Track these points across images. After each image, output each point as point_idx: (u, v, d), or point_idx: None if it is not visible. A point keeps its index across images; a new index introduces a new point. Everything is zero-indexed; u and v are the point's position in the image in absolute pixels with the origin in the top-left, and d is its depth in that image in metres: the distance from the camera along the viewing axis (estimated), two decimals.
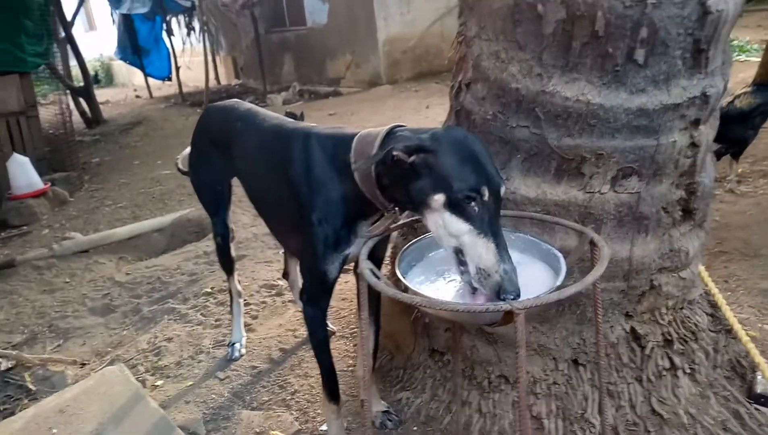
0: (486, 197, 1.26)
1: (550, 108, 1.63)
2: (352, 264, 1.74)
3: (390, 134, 1.45)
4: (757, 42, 9.03)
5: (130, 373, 2.34)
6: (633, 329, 1.88)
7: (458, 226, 1.26)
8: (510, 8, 1.63)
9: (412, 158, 1.30)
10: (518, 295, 1.21)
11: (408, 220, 1.64)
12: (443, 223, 1.29)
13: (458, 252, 1.29)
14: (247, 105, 2.11)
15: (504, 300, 1.21)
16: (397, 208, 1.48)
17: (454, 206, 1.26)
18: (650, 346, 1.88)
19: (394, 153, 1.30)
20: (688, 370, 1.91)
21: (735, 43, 8.83)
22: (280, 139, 1.75)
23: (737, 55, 8.33)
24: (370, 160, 1.38)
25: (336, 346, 2.56)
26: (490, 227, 1.25)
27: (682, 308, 1.96)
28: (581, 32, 1.53)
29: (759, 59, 8.43)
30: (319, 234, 1.60)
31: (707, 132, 1.71)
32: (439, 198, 1.28)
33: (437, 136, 1.34)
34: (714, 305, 2.09)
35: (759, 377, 1.96)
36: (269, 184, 1.83)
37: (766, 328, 2.37)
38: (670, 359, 1.89)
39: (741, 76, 7.01)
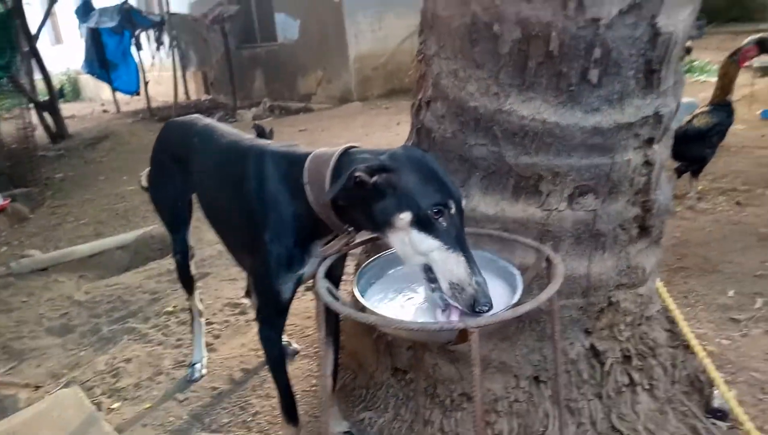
0: (453, 211, 1.27)
1: (508, 126, 1.64)
2: (311, 282, 1.72)
3: (344, 154, 1.44)
4: (716, 63, 9.30)
5: (84, 395, 2.27)
6: (592, 346, 1.89)
7: (427, 243, 1.27)
8: (467, 27, 1.64)
9: (374, 178, 1.30)
10: (491, 307, 1.23)
11: (365, 239, 1.63)
12: (410, 242, 1.29)
13: (427, 269, 1.30)
14: (206, 120, 2.09)
15: (479, 312, 1.22)
16: (352, 229, 1.47)
17: (421, 223, 1.27)
18: (609, 363, 1.89)
19: (357, 175, 1.29)
20: (647, 386, 1.93)
21: (696, 63, 9.12)
22: (236, 156, 1.73)
23: (698, 76, 8.59)
24: (334, 188, 1.34)
25: (299, 366, 2.52)
26: (458, 242, 1.27)
27: (640, 324, 1.98)
28: (536, 52, 1.55)
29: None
30: (272, 253, 1.58)
31: (661, 150, 1.75)
32: (405, 216, 1.28)
33: (396, 156, 1.34)
34: (672, 321, 2.11)
35: (716, 392, 1.98)
36: (224, 201, 1.80)
37: (724, 343, 2.41)
38: (629, 375, 1.91)
39: (702, 95, 7.22)
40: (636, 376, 1.90)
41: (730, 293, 2.78)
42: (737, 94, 7.12)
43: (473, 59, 1.67)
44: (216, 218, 1.95)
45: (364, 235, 1.56)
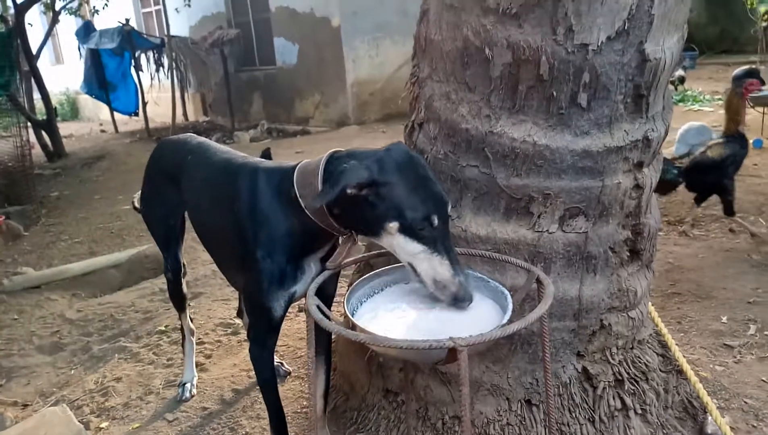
0: (435, 223, 1.34)
1: (499, 148, 1.66)
2: (303, 302, 1.72)
3: (330, 161, 1.46)
4: (708, 93, 9.47)
5: (72, 414, 2.24)
6: (585, 369, 1.89)
7: (412, 246, 1.36)
8: (460, 51, 1.67)
9: (365, 192, 1.35)
10: (471, 301, 1.36)
11: (365, 255, 1.64)
12: (398, 245, 1.38)
13: (413, 267, 1.40)
14: (199, 139, 2.10)
15: (461, 308, 1.36)
16: (353, 232, 1.50)
17: (408, 231, 1.35)
18: (602, 386, 1.89)
19: (349, 191, 1.34)
20: (640, 411, 1.92)
21: (689, 93, 9.26)
22: (228, 173, 1.74)
23: (691, 105, 8.71)
24: (322, 197, 1.38)
25: (291, 387, 2.50)
26: (443, 245, 1.36)
27: (632, 348, 1.98)
28: (527, 76, 1.58)
29: (711, 109, 8.87)
30: (264, 270, 1.58)
31: (651, 174, 1.77)
32: (393, 225, 1.35)
33: (383, 163, 1.36)
34: (664, 345, 2.11)
35: (709, 418, 1.97)
36: (215, 219, 1.80)
37: (717, 369, 2.40)
38: (622, 399, 1.90)
39: (706, 120, 7.30)
40: (628, 400, 1.90)
41: (724, 319, 2.77)
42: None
43: (465, 82, 1.69)
44: (207, 236, 1.95)
45: (364, 239, 1.58)
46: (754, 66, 9.02)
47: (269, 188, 1.59)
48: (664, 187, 3.77)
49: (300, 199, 1.49)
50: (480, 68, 1.65)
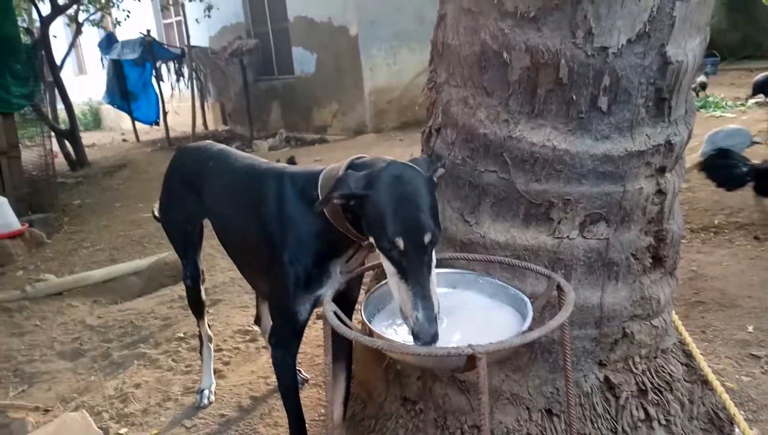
0: (402, 247, 1.26)
1: (517, 153, 1.64)
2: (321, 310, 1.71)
3: (350, 167, 1.46)
4: (731, 99, 9.33)
5: (91, 420, 2.26)
6: (607, 378, 1.85)
7: (387, 266, 1.32)
8: (477, 56, 1.66)
9: (352, 203, 1.36)
10: (433, 342, 1.23)
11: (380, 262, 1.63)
12: (382, 260, 1.34)
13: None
14: (220, 146, 2.11)
15: (421, 344, 1.23)
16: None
17: (381, 249, 1.32)
18: (624, 396, 1.85)
19: (334, 201, 1.35)
20: (664, 422, 1.87)
21: (711, 99, 9.13)
22: (253, 178, 1.75)
23: (713, 111, 8.58)
24: (320, 204, 1.40)
25: (308, 395, 2.49)
26: (413, 274, 1.27)
27: (656, 357, 1.94)
28: (546, 79, 1.56)
29: (733, 115, 8.72)
30: (290, 274, 1.58)
31: (674, 179, 1.73)
32: (372, 239, 1.34)
33: (372, 179, 1.34)
34: (689, 355, 2.06)
35: (737, 431, 1.92)
36: (240, 224, 1.81)
37: (744, 379, 2.34)
38: (645, 410, 1.86)
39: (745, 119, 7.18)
40: (652, 411, 1.85)
41: (750, 329, 2.71)
42: (754, 129, 7.12)
43: (483, 87, 1.68)
44: (231, 242, 1.96)
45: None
46: None
47: (295, 192, 1.60)
48: (732, 181, 3.66)
49: None
50: (498, 72, 1.63)
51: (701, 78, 9.07)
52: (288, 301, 1.62)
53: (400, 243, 1.27)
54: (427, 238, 1.27)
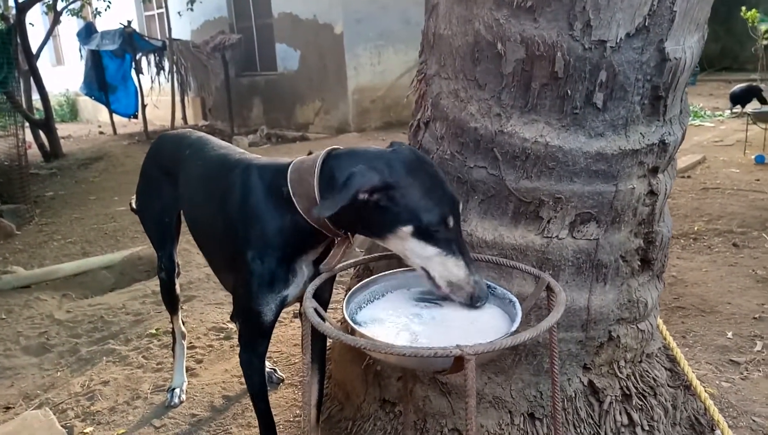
0: (451, 225, 1.30)
1: (509, 149, 1.59)
2: (297, 307, 1.65)
3: (327, 159, 1.39)
4: (709, 109, 9.49)
5: (55, 418, 2.16)
6: (591, 382, 1.81)
7: (427, 250, 1.30)
8: (470, 46, 1.61)
9: (376, 197, 1.29)
10: (487, 298, 1.34)
11: (363, 259, 1.57)
12: (409, 248, 1.32)
13: (427, 271, 1.34)
14: (199, 134, 2.03)
15: (477, 308, 1.33)
16: (348, 233, 1.43)
17: (422, 234, 1.29)
18: (608, 401, 1.82)
19: (361, 196, 1.27)
20: (647, 427, 1.84)
21: (690, 108, 9.25)
22: (223, 168, 1.67)
23: (692, 120, 8.71)
24: (332, 203, 1.28)
25: (284, 395, 2.42)
26: (457, 245, 1.31)
27: (640, 362, 1.91)
28: (541, 73, 1.51)
29: (712, 125, 8.90)
30: (254, 272, 1.50)
31: (666, 180, 1.70)
32: (406, 229, 1.29)
33: (393, 165, 1.31)
34: (672, 360, 2.04)
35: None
36: (208, 215, 1.73)
37: (724, 385, 2.34)
38: (629, 415, 1.83)
39: (696, 139, 7.31)
40: (636, 416, 1.82)
41: (729, 335, 2.71)
42: (732, 139, 7.23)
43: (475, 79, 1.63)
44: (200, 234, 1.87)
45: (359, 239, 1.52)
46: (753, 84, 9.09)
47: (262, 185, 1.51)
48: None
49: (294, 198, 1.42)
50: (491, 64, 1.58)
51: None
52: (252, 301, 1.53)
53: (451, 220, 1.30)
54: (461, 208, 1.36)
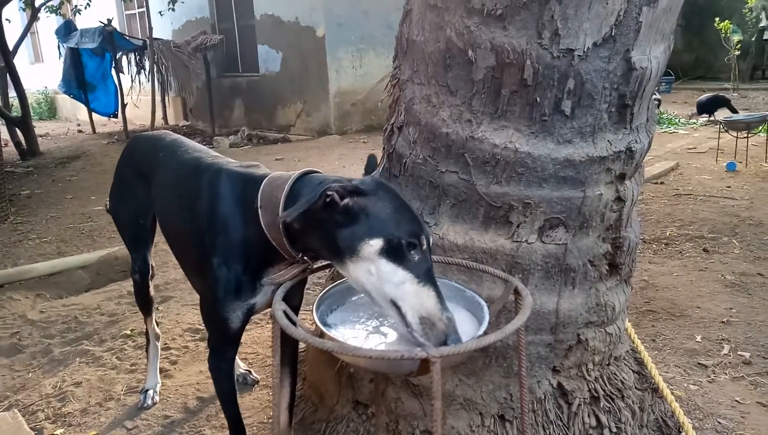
0: (425, 246, 1.23)
1: (479, 154, 1.61)
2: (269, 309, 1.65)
3: (301, 179, 1.38)
4: (684, 116, 9.67)
5: (23, 420, 2.13)
6: (560, 384, 1.84)
7: (398, 274, 1.20)
8: (442, 53, 1.63)
9: (346, 201, 1.23)
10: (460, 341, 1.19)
11: (320, 266, 1.55)
12: (377, 272, 1.21)
13: (395, 303, 1.21)
14: (174, 136, 2.03)
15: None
16: (306, 258, 1.39)
17: (392, 253, 1.20)
18: (577, 403, 1.84)
19: (329, 193, 1.21)
20: (615, 429, 1.87)
21: (665, 116, 9.43)
22: (194, 173, 1.65)
23: (667, 127, 8.86)
24: (298, 207, 1.23)
25: (258, 396, 2.41)
26: (429, 276, 1.22)
27: (608, 364, 1.94)
28: (510, 80, 1.54)
29: (686, 132, 9.08)
30: (220, 279, 1.49)
31: (633, 187, 1.74)
32: (375, 243, 1.20)
33: (367, 183, 1.28)
34: (640, 363, 2.08)
35: None
36: (180, 221, 1.72)
37: (691, 387, 2.39)
38: (597, 417, 1.86)
39: (669, 146, 7.44)
40: (604, 418, 1.85)
41: (698, 338, 2.77)
42: (705, 146, 7.37)
43: (447, 85, 1.65)
44: (172, 238, 1.86)
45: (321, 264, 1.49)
46: (720, 93, 9.31)
47: (233, 193, 1.49)
48: None
49: (259, 211, 1.40)
50: (462, 71, 1.60)
51: (656, 95, 9.42)
52: (218, 308, 1.52)
53: (424, 240, 1.23)
54: (431, 239, 1.27)
